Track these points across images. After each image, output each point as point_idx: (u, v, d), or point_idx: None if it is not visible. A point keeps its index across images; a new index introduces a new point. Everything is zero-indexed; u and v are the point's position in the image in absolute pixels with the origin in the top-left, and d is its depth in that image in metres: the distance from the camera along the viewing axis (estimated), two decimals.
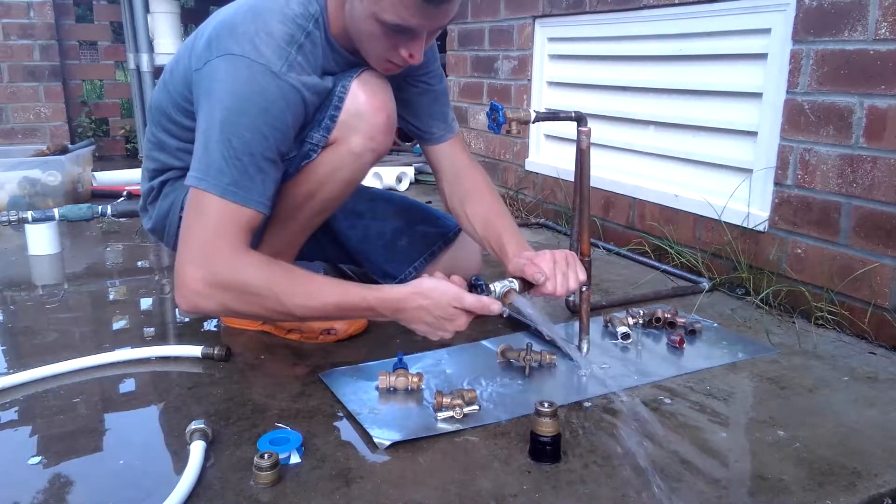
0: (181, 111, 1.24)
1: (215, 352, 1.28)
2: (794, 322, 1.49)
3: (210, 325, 1.46)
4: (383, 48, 1.12)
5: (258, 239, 1.29)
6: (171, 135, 1.30)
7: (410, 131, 1.44)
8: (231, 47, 1.08)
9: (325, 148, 1.21)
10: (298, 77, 1.11)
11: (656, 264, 1.88)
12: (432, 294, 1.06)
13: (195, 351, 1.29)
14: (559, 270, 1.13)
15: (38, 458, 0.98)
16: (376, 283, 1.53)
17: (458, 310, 1.05)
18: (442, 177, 1.42)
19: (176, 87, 1.24)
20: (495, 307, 1.06)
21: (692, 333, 1.42)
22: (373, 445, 1.01)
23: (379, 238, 1.58)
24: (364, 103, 1.18)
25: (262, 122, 1.08)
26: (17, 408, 1.12)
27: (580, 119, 1.32)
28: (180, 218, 1.33)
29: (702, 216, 1.81)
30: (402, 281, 1.58)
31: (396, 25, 1.06)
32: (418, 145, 1.51)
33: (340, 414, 1.10)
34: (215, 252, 1.07)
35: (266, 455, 0.92)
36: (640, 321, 1.46)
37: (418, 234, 1.60)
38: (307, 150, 1.20)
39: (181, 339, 1.41)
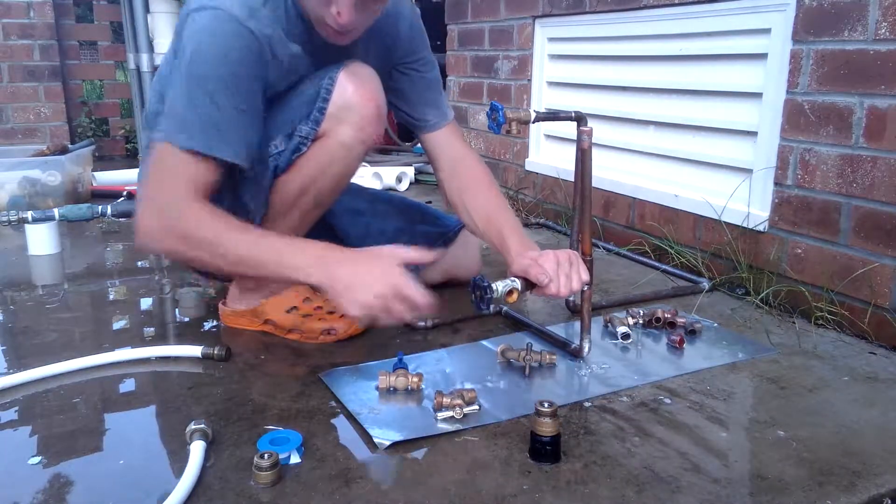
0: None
1: (215, 352, 1.27)
2: (794, 322, 1.49)
3: (210, 325, 1.46)
4: (318, 7, 1.12)
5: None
6: None
7: (405, 121, 1.44)
8: (199, 3, 1.11)
9: (315, 141, 1.21)
10: (261, 28, 1.12)
11: (656, 264, 1.88)
12: (361, 251, 1.07)
13: (195, 351, 1.29)
14: (562, 272, 1.13)
15: (38, 458, 0.98)
16: None
17: (394, 266, 1.04)
18: (440, 166, 1.42)
19: (166, 90, 1.26)
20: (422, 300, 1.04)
21: (692, 333, 1.42)
22: (373, 445, 1.01)
23: (380, 235, 1.58)
24: (352, 94, 1.18)
25: (224, 70, 1.09)
26: (17, 408, 1.12)
27: (580, 119, 1.32)
28: None
29: (702, 216, 1.81)
30: None
31: None
32: (419, 145, 1.52)
33: (340, 414, 1.10)
34: (167, 199, 1.11)
35: (266, 455, 0.92)
36: (640, 321, 1.46)
37: (418, 234, 1.60)
38: (296, 143, 1.20)
39: (181, 339, 1.41)
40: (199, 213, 1.10)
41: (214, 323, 1.47)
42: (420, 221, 1.63)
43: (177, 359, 1.30)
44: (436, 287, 1.61)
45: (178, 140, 1.10)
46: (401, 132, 3.51)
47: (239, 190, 1.26)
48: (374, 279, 1.03)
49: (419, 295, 1.03)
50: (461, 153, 1.42)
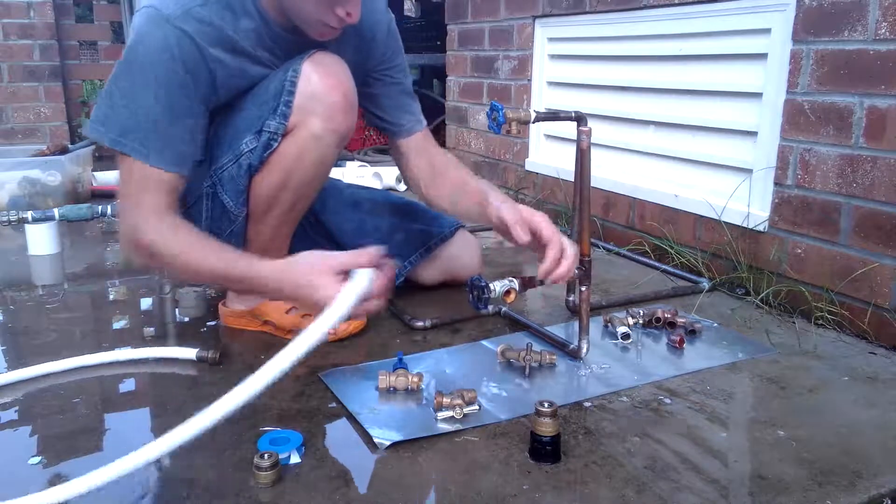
0: None
1: (209, 355, 1.27)
2: (794, 322, 1.49)
3: (210, 323, 1.46)
4: (318, 8, 1.11)
5: (241, 238, 1.30)
6: None
7: (379, 127, 1.44)
8: (145, 2, 1.12)
9: (286, 136, 1.20)
10: (200, 28, 1.11)
11: (656, 264, 1.88)
12: (299, 259, 1.05)
13: (190, 353, 1.28)
14: (560, 243, 1.16)
15: (38, 458, 0.98)
16: None
17: (328, 273, 1.01)
18: (415, 173, 1.43)
19: None
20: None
21: (692, 333, 1.42)
22: (373, 445, 1.01)
23: (375, 231, 1.57)
24: (317, 83, 1.16)
25: (152, 75, 1.10)
26: (17, 408, 1.12)
27: (580, 119, 1.32)
28: None
29: (702, 216, 1.81)
30: (396, 276, 1.58)
31: None
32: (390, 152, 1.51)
33: (340, 414, 1.10)
34: (133, 215, 1.13)
35: (266, 455, 0.92)
36: (640, 321, 1.46)
37: (414, 231, 1.60)
38: (266, 139, 1.19)
39: (181, 339, 1.41)
40: (160, 229, 1.12)
41: (214, 323, 1.47)
42: (417, 220, 1.62)
43: (174, 361, 1.30)
44: (436, 287, 1.62)
45: (123, 147, 1.12)
46: None
47: (218, 193, 1.26)
48: (318, 299, 1.00)
49: (353, 309, 0.98)
50: (437, 152, 1.44)
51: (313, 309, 1.00)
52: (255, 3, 1.16)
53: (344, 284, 0.98)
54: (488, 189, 1.30)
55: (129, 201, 1.14)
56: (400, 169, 1.49)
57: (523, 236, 1.15)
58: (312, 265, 1.02)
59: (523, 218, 1.16)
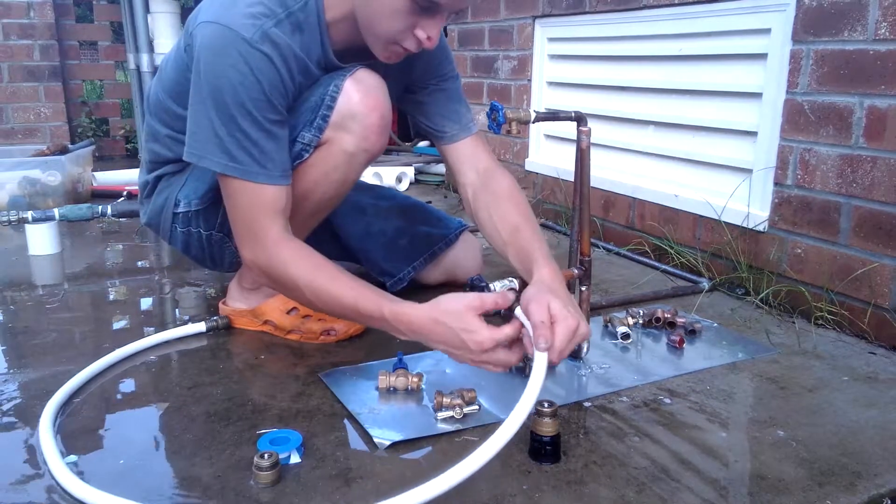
0: (172, 96, 1.26)
1: (220, 322, 1.40)
2: (794, 322, 1.49)
3: (210, 323, 1.46)
4: (399, 29, 1.09)
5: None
6: (164, 124, 1.32)
7: (424, 132, 1.40)
8: (210, 16, 1.09)
9: (318, 148, 1.19)
10: (275, 49, 1.09)
11: (656, 264, 1.88)
12: (446, 317, 0.98)
13: (200, 327, 1.39)
14: (565, 345, 0.96)
15: (38, 459, 0.98)
16: (378, 282, 1.54)
17: (477, 334, 0.96)
18: (463, 180, 1.34)
19: (168, 73, 1.26)
20: (500, 300, 1.00)
21: (692, 333, 1.42)
22: (373, 445, 1.01)
23: (380, 236, 1.57)
24: (358, 103, 1.16)
25: (244, 97, 1.08)
26: (16, 408, 1.12)
27: (580, 119, 1.32)
28: (174, 215, 1.36)
29: (702, 216, 1.81)
30: (400, 280, 1.58)
31: (427, 0, 1.04)
32: (419, 144, 1.50)
33: (340, 414, 1.10)
34: (253, 238, 1.13)
35: (266, 455, 0.92)
36: (640, 321, 1.46)
37: (420, 235, 1.60)
38: (299, 149, 1.18)
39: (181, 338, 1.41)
40: (285, 255, 1.11)
41: (214, 319, 1.47)
42: (422, 222, 1.62)
43: (179, 354, 1.30)
44: (437, 287, 1.62)
45: (233, 171, 1.10)
46: (401, 132, 3.51)
47: None
48: (461, 348, 0.98)
49: (503, 353, 0.98)
50: (487, 165, 1.32)
51: (462, 350, 0.98)
52: (320, 23, 1.15)
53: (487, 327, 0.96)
54: (539, 254, 1.13)
55: (247, 228, 1.13)
56: (452, 174, 1.42)
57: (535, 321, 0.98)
58: (460, 308, 0.98)
59: (545, 320, 0.97)
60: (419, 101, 1.36)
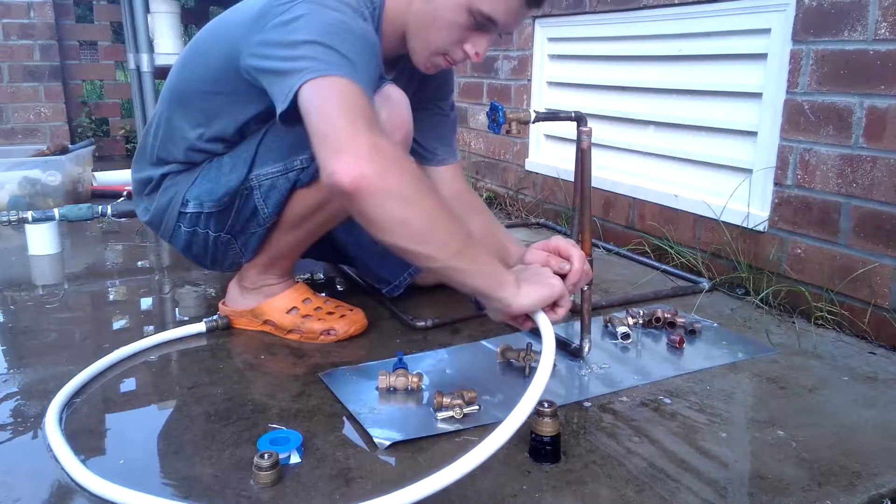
0: (215, 85, 1.22)
1: (219, 322, 1.40)
2: (794, 322, 1.49)
3: (209, 323, 1.46)
4: (451, 41, 1.12)
5: (260, 241, 1.30)
6: (195, 123, 1.28)
7: (414, 150, 1.43)
8: None
9: None
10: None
11: (656, 264, 1.88)
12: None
13: (200, 327, 1.39)
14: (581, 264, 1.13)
15: (38, 458, 0.98)
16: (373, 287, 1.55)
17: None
18: None
19: (210, 60, 1.22)
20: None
21: (692, 333, 1.42)
22: (373, 445, 1.01)
23: (372, 245, 1.57)
24: (385, 120, 1.14)
25: (362, 43, 1.05)
26: (17, 408, 1.12)
27: (580, 119, 1.32)
28: (180, 214, 1.33)
29: (701, 216, 1.81)
30: (397, 287, 1.58)
31: (487, 17, 1.07)
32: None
33: (340, 414, 1.11)
34: (351, 145, 0.94)
35: (266, 455, 0.92)
36: (640, 321, 1.46)
37: None
38: (315, 168, 1.19)
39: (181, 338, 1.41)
40: (390, 168, 0.95)
41: (214, 317, 1.47)
42: None
43: (179, 354, 1.30)
44: (436, 287, 1.62)
45: (339, 70, 0.99)
46: None
47: (254, 196, 1.26)
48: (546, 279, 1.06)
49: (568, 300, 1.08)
50: (463, 188, 1.45)
51: (540, 293, 1.04)
52: (378, 31, 1.17)
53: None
54: (509, 243, 1.31)
55: (342, 129, 0.95)
56: None
57: (566, 266, 1.11)
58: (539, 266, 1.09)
59: (551, 252, 1.13)
60: (418, 119, 1.38)
